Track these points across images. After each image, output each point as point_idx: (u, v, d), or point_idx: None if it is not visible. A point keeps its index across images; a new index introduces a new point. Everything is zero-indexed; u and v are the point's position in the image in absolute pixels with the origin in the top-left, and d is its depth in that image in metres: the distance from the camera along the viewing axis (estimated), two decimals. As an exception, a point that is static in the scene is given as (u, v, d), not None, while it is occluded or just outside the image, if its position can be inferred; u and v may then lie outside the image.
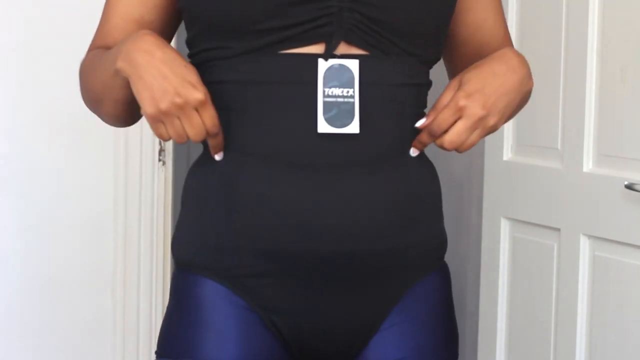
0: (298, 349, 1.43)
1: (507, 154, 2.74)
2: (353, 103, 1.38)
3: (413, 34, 1.41)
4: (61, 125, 2.75)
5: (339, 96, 1.38)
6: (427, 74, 1.49)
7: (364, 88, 1.39)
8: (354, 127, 1.38)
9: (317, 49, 1.38)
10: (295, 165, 1.38)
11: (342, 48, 1.39)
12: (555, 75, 2.55)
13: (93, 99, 1.55)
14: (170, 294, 1.47)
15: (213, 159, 1.41)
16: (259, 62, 1.39)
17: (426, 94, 1.49)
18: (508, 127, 2.72)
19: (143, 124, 2.81)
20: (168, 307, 1.46)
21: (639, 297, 2.33)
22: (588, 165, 2.47)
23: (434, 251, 1.48)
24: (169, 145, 2.88)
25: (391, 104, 1.41)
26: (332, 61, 1.38)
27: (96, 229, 2.82)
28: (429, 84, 1.49)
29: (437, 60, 1.51)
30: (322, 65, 1.38)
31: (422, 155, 1.46)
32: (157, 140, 2.85)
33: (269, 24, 1.36)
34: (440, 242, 1.49)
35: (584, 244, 2.48)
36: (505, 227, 2.75)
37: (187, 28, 1.45)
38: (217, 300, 1.41)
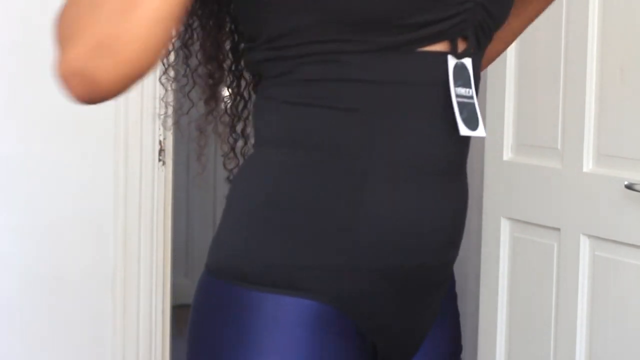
0: None
1: (507, 154, 2.74)
2: (474, 104, 1.28)
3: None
4: (61, 125, 2.74)
5: (464, 97, 1.27)
6: None
7: (475, 86, 1.30)
8: (481, 131, 1.28)
9: (442, 46, 1.27)
10: (425, 172, 1.27)
11: (460, 45, 1.29)
12: (555, 75, 2.55)
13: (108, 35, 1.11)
14: (214, 309, 1.28)
15: (307, 165, 1.25)
16: (391, 61, 1.24)
17: None
18: (508, 127, 2.72)
19: (143, 124, 2.82)
20: (211, 329, 1.27)
21: (639, 297, 2.33)
22: (588, 165, 2.47)
23: None
24: (169, 145, 2.88)
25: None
26: (455, 60, 1.27)
27: (96, 229, 2.82)
28: None
29: None
30: (451, 63, 1.27)
31: None
32: (157, 140, 2.85)
33: (413, 19, 1.22)
34: None
35: (584, 244, 2.48)
36: (505, 227, 2.75)
37: (283, 16, 1.24)
38: (319, 323, 1.26)
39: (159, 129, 2.84)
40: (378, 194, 1.25)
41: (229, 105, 1.48)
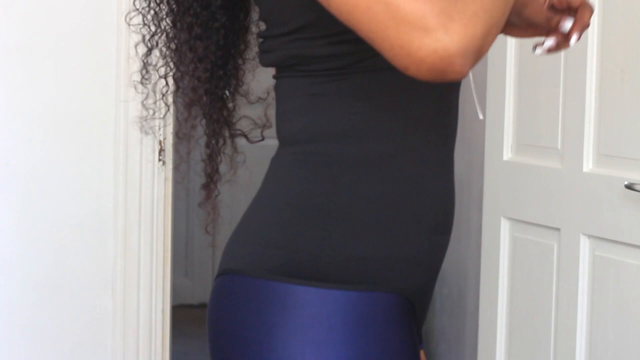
0: None
1: (507, 154, 2.74)
2: (472, 88, 1.32)
3: None
4: (61, 125, 2.74)
5: (471, 81, 1.32)
6: None
7: None
8: (480, 113, 1.36)
9: None
10: (450, 156, 1.32)
11: None
12: (555, 75, 2.55)
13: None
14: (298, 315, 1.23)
15: (376, 155, 1.24)
16: None
17: None
18: (508, 127, 2.72)
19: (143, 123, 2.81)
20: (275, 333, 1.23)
21: (639, 297, 2.33)
22: (588, 165, 2.47)
23: None
24: (169, 145, 2.88)
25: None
26: None
27: (96, 229, 2.82)
28: None
29: None
30: None
31: None
32: (157, 140, 2.85)
33: None
34: None
35: (584, 244, 2.48)
36: (505, 227, 2.75)
37: None
38: (398, 316, 1.25)
39: (159, 129, 2.84)
40: (433, 180, 1.28)
41: (207, 110, 1.43)
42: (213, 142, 1.46)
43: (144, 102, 1.52)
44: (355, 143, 1.25)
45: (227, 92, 1.45)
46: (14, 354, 2.75)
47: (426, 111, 1.27)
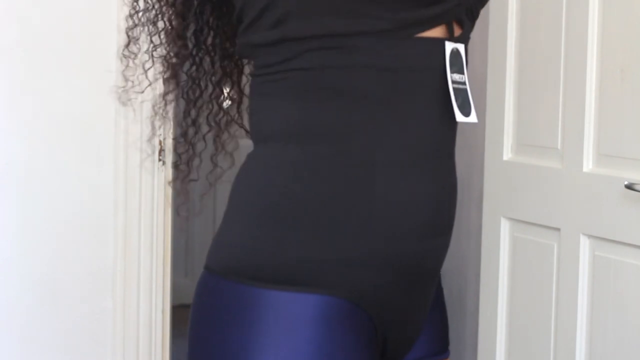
0: (392, 354, 1.34)
1: (507, 154, 2.74)
2: (467, 90, 1.28)
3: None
4: (61, 125, 2.75)
5: (459, 82, 1.27)
6: None
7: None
8: (473, 117, 1.28)
9: (439, 31, 1.26)
10: (426, 157, 1.27)
11: (454, 30, 1.29)
12: (555, 76, 2.55)
13: None
14: (220, 309, 1.27)
15: (319, 156, 1.24)
16: (393, 46, 1.23)
17: None
18: (508, 127, 2.72)
19: (143, 123, 2.81)
20: (220, 332, 1.26)
21: (639, 297, 2.33)
22: (588, 165, 2.47)
23: None
24: (169, 145, 2.88)
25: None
26: (452, 45, 1.27)
27: (96, 229, 2.82)
28: None
29: None
30: (448, 48, 1.26)
31: None
32: (157, 140, 2.85)
33: (413, 1, 1.23)
34: None
35: (584, 244, 2.48)
36: (505, 227, 2.75)
37: None
38: (337, 319, 1.25)
39: (160, 128, 2.84)
40: (390, 182, 1.25)
41: (185, 90, 1.46)
42: (188, 122, 1.48)
43: (124, 73, 1.52)
44: (295, 144, 1.25)
45: (212, 80, 1.47)
46: (14, 354, 2.75)
47: (372, 113, 1.24)
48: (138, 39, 1.49)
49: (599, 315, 2.44)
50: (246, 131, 1.46)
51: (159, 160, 2.87)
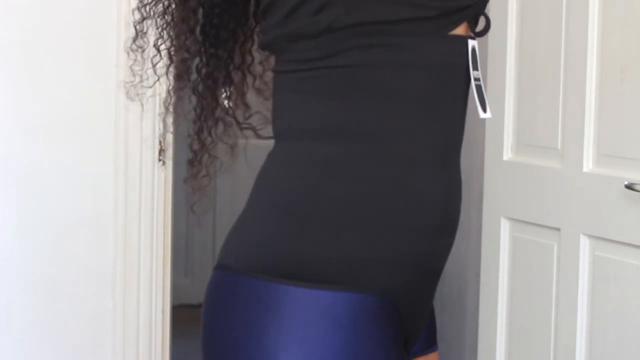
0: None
1: (507, 154, 2.74)
2: (482, 87, 1.30)
3: None
4: (61, 125, 2.75)
5: (477, 79, 1.29)
6: None
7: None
8: (489, 113, 1.31)
9: (462, 28, 1.27)
10: (451, 158, 1.29)
11: (466, 29, 1.29)
12: (555, 75, 2.55)
13: None
14: (274, 314, 1.24)
15: (357, 153, 1.23)
16: (429, 44, 1.24)
17: None
18: (508, 127, 2.72)
19: (143, 123, 2.81)
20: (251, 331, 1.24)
21: (639, 297, 2.33)
22: (588, 165, 2.47)
23: None
24: (169, 145, 2.88)
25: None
26: (473, 42, 1.28)
27: (96, 229, 2.82)
28: None
29: None
30: (470, 46, 1.28)
31: None
32: (157, 140, 2.85)
33: (452, 2, 1.24)
34: None
35: (584, 244, 2.48)
36: (505, 227, 2.75)
37: None
38: (376, 319, 1.25)
39: (159, 129, 2.84)
40: (422, 181, 1.26)
41: (197, 86, 1.45)
42: (202, 119, 1.46)
43: (132, 68, 1.51)
44: (331, 142, 1.25)
45: (221, 72, 1.46)
46: (14, 354, 2.75)
47: (411, 111, 1.25)
48: (145, 33, 1.48)
49: (599, 315, 2.44)
50: (242, 129, 1.46)
51: (159, 160, 2.87)
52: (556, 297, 2.56)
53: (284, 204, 1.26)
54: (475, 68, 1.29)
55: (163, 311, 2.92)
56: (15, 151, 2.71)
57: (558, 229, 2.55)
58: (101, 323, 2.84)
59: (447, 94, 1.27)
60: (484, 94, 1.30)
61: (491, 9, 2.74)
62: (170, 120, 1.54)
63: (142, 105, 1.74)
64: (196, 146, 1.48)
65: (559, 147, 2.55)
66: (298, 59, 1.26)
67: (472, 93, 1.27)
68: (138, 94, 1.57)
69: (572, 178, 2.50)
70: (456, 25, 1.26)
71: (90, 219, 2.81)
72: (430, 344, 1.43)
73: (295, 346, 1.22)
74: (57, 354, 2.79)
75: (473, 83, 1.27)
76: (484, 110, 1.29)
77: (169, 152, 2.88)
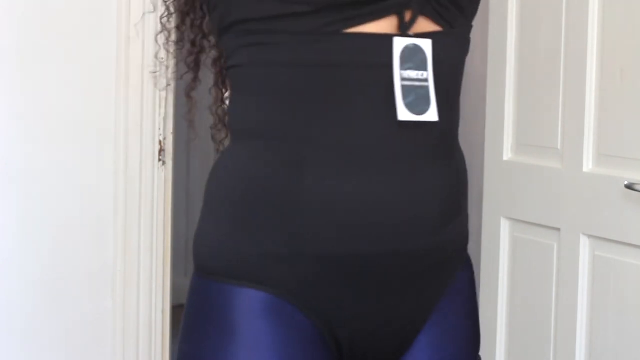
0: (350, 355, 1.32)
1: (507, 154, 2.74)
2: (428, 88, 1.23)
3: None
4: (61, 125, 2.74)
5: (414, 80, 1.23)
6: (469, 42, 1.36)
7: (435, 69, 1.25)
8: (432, 115, 1.23)
9: (389, 26, 1.23)
10: (364, 157, 1.23)
11: (417, 25, 1.25)
12: (555, 75, 2.55)
13: None
14: (194, 305, 1.32)
15: (260, 153, 1.25)
16: (324, 42, 1.22)
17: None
18: (508, 127, 2.72)
19: (143, 123, 2.81)
20: (197, 324, 1.31)
21: (639, 297, 2.33)
22: (588, 165, 2.47)
23: (464, 247, 1.40)
24: (169, 145, 2.88)
25: (449, 85, 1.28)
26: (407, 40, 1.22)
27: (96, 229, 2.82)
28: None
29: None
30: (398, 45, 1.22)
31: (458, 141, 1.36)
32: (157, 140, 2.85)
33: None
34: (467, 235, 1.40)
35: (584, 244, 2.48)
36: (505, 227, 2.75)
37: None
38: (265, 312, 1.26)
39: (159, 129, 2.84)
40: (317, 181, 1.23)
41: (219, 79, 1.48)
42: (218, 87, 1.49)
43: (157, 56, 1.55)
44: (236, 142, 1.29)
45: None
46: (14, 354, 2.75)
47: (299, 110, 1.23)
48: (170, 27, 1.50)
49: (599, 315, 2.44)
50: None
51: (159, 160, 2.87)
52: (556, 297, 2.56)
53: (205, 202, 1.32)
54: (414, 68, 1.23)
55: (163, 311, 2.92)
56: (15, 151, 2.71)
57: (558, 229, 2.55)
58: (101, 323, 2.84)
59: (358, 93, 1.23)
60: (429, 94, 1.24)
61: (491, 9, 2.74)
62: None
63: (173, 94, 1.79)
64: (221, 136, 1.48)
65: (559, 147, 2.55)
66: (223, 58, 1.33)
67: (396, 93, 1.22)
68: (168, 85, 1.61)
69: (572, 178, 2.50)
70: (357, 22, 1.21)
71: (90, 219, 2.81)
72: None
73: (197, 338, 1.29)
74: (57, 353, 2.79)
75: (398, 83, 1.22)
76: (417, 112, 1.22)
77: (169, 152, 2.88)
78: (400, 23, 1.23)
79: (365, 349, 1.32)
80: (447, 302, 1.36)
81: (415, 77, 1.23)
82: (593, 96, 2.45)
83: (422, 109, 1.23)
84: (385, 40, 1.22)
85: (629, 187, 2.32)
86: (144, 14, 2.70)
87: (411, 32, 1.24)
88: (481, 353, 2.98)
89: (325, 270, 1.25)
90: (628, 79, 2.35)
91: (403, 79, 1.22)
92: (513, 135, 2.72)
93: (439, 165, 1.29)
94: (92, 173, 2.80)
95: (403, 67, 1.22)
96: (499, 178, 2.76)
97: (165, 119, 2.84)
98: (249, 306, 1.26)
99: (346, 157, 1.23)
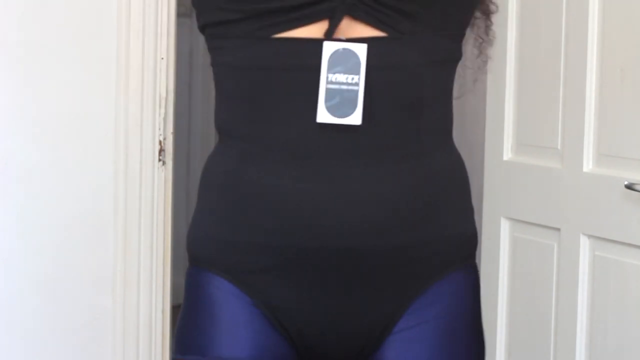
0: (304, 349, 1.35)
1: (507, 154, 2.74)
2: (357, 91, 1.25)
3: (433, 5, 1.30)
4: (61, 125, 2.74)
5: (342, 83, 1.25)
6: (454, 48, 1.36)
7: (374, 74, 1.26)
8: (355, 118, 1.25)
9: (319, 31, 1.27)
10: (297, 156, 1.28)
11: (353, 29, 1.27)
12: (555, 76, 2.55)
13: None
14: (184, 290, 1.42)
15: (224, 149, 1.35)
16: (256, 47, 1.28)
17: (451, 71, 1.36)
18: (508, 127, 2.72)
19: (143, 123, 2.81)
20: (183, 304, 1.42)
21: (639, 297, 2.33)
22: (588, 165, 2.47)
23: (455, 249, 1.36)
24: (169, 145, 2.88)
25: (403, 90, 1.29)
26: (338, 45, 1.25)
27: (96, 229, 2.81)
28: (455, 59, 1.37)
29: (463, 32, 1.38)
30: (328, 49, 1.25)
31: (444, 144, 1.35)
32: (157, 140, 2.85)
33: (275, 4, 1.26)
34: (463, 240, 1.38)
35: (584, 244, 2.48)
36: (505, 227, 2.75)
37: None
38: (226, 298, 1.34)
39: (159, 129, 2.84)
40: (259, 176, 1.30)
41: None
42: None
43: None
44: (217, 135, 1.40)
45: None
46: (14, 354, 2.74)
47: (241, 110, 1.32)
48: None
49: (599, 315, 2.44)
50: None
51: (159, 160, 2.87)
52: (556, 297, 2.56)
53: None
54: (345, 71, 1.25)
55: (163, 311, 2.92)
56: (15, 151, 2.71)
57: (558, 229, 2.55)
58: (101, 323, 2.84)
59: (281, 94, 1.28)
60: (356, 98, 1.25)
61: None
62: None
63: None
64: None
65: (559, 147, 2.55)
66: None
67: (319, 95, 1.26)
68: None
69: (572, 178, 2.50)
70: (286, 27, 1.26)
71: (90, 219, 2.81)
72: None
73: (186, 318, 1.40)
74: (57, 353, 2.79)
75: (324, 86, 1.25)
76: (339, 115, 1.25)
77: (169, 152, 2.88)
78: (328, 28, 1.26)
79: (323, 346, 1.34)
80: (423, 306, 1.34)
81: (345, 80, 1.25)
82: (593, 96, 2.45)
83: (345, 112, 1.26)
84: (315, 44, 1.26)
85: (629, 187, 2.32)
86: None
87: (343, 37, 1.26)
88: (481, 353, 2.97)
89: (265, 260, 1.32)
90: (628, 79, 2.35)
91: (330, 82, 1.25)
92: (513, 135, 2.72)
93: (389, 169, 1.30)
94: (92, 173, 2.80)
95: (331, 70, 1.25)
96: (499, 178, 2.76)
97: (165, 119, 2.84)
98: (219, 290, 1.34)
99: (280, 155, 1.29)
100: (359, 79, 1.26)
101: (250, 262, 1.32)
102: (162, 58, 2.82)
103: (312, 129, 1.27)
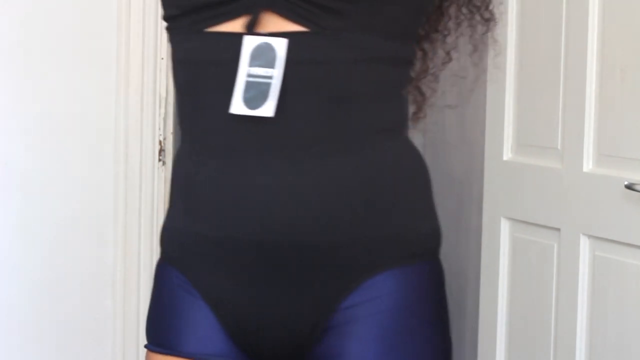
0: (244, 345, 1.36)
1: (507, 154, 2.74)
2: (270, 84, 1.27)
3: (361, 2, 1.29)
4: (61, 125, 2.74)
5: (260, 76, 1.28)
6: (394, 48, 1.33)
7: (294, 68, 1.28)
8: (267, 110, 1.27)
9: (241, 25, 1.30)
10: (217, 149, 1.32)
11: (276, 24, 1.29)
12: (555, 76, 2.55)
13: None
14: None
15: (181, 142, 1.42)
16: (192, 41, 1.33)
17: (392, 70, 1.34)
18: (508, 127, 2.72)
19: (143, 123, 2.81)
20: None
21: (639, 297, 2.33)
22: (588, 165, 2.47)
23: (398, 247, 1.33)
24: (169, 145, 2.88)
25: (325, 85, 1.29)
26: (259, 39, 1.27)
27: (96, 229, 2.82)
28: (399, 58, 1.35)
29: (411, 32, 1.36)
30: (248, 43, 1.29)
31: (384, 141, 1.33)
32: (157, 140, 2.85)
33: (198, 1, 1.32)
34: (410, 238, 1.34)
35: (584, 244, 2.48)
36: (505, 227, 2.75)
37: None
38: (177, 290, 1.40)
39: (159, 129, 2.84)
40: (192, 170, 1.36)
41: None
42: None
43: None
44: None
45: None
46: (14, 354, 2.75)
47: (183, 103, 1.39)
48: None
49: (599, 315, 2.44)
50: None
51: (159, 160, 2.87)
52: (556, 297, 2.56)
53: None
54: (263, 65, 1.27)
55: (163, 311, 2.92)
56: (15, 151, 2.71)
57: (558, 229, 2.55)
58: (101, 323, 2.84)
59: (208, 87, 1.33)
60: (269, 91, 1.28)
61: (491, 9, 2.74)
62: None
63: None
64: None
65: (559, 147, 2.55)
66: None
67: (236, 88, 1.29)
68: None
69: (572, 178, 2.50)
70: (215, 22, 1.31)
71: (90, 219, 2.81)
72: None
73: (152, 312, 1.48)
74: (57, 353, 2.79)
75: (242, 79, 1.28)
76: (252, 106, 1.28)
77: (169, 152, 2.88)
78: (249, 22, 1.29)
79: (260, 343, 1.36)
80: (358, 303, 1.32)
81: (263, 74, 1.28)
82: (593, 96, 2.45)
83: (257, 104, 1.28)
84: (237, 38, 1.30)
85: (629, 187, 2.32)
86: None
87: (264, 31, 1.29)
88: (481, 353, 2.99)
89: (198, 253, 1.37)
90: (628, 79, 2.35)
91: (249, 75, 1.29)
92: (513, 135, 2.72)
93: (312, 163, 1.30)
94: (92, 173, 2.80)
95: (252, 64, 1.28)
96: (499, 178, 2.76)
97: (165, 119, 2.84)
98: (172, 282, 1.40)
99: (205, 148, 1.34)
100: (275, 73, 1.27)
101: (191, 254, 1.38)
102: (162, 58, 2.82)
103: (230, 122, 1.30)
